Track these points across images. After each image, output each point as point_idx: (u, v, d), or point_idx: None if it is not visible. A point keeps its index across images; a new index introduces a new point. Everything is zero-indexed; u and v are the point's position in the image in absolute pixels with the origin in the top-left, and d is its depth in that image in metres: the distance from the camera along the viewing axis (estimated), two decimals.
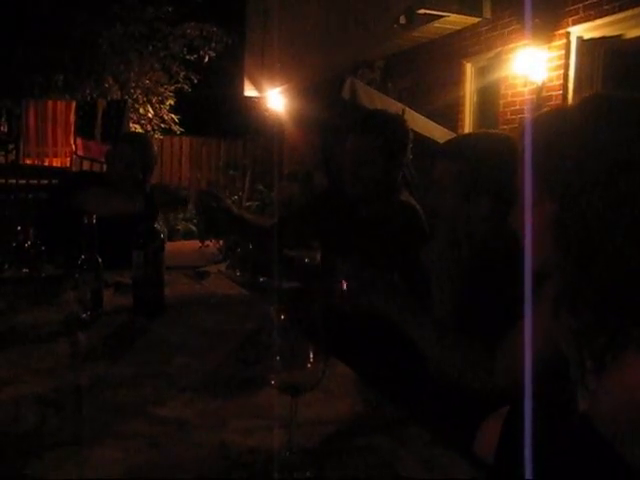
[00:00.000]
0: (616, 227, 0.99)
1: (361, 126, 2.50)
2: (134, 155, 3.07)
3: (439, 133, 5.02)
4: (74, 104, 8.74)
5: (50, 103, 8.71)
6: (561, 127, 1.06)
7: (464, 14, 6.48)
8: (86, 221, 1.89)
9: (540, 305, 1.21)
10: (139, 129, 10.72)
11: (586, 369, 1.10)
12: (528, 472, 0.99)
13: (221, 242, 7.86)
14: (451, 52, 7.03)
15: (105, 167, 3.34)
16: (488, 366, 1.41)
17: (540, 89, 5.68)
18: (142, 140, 3.32)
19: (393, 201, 2.46)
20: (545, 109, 1.31)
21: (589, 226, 1.01)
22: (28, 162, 8.45)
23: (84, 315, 1.90)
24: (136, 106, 10.54)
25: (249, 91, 11.22)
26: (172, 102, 11.19)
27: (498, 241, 1.62)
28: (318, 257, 2.82)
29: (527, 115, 5.84)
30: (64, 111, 8.56)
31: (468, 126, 6.82)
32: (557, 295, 1.15)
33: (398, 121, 2.55)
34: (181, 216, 11.25)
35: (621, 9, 4.97)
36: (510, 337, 1.37)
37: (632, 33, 5.14)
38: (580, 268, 1.04)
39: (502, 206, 1.51)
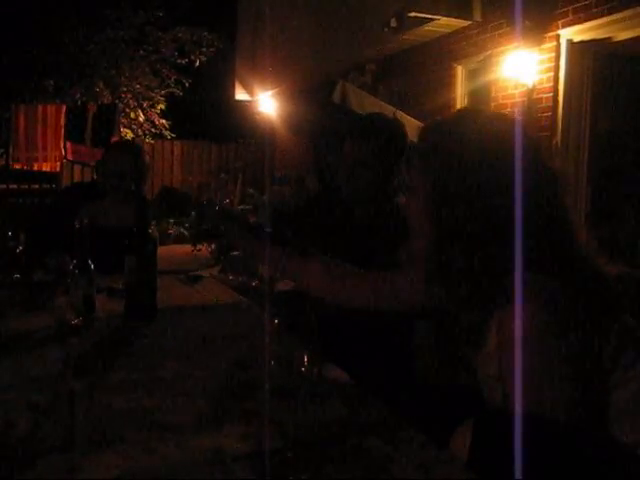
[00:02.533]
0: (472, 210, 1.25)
1: (358, 131, 2.49)
2: (125, 165, 3.02)
3: None
4: (64, 108, 8.70)
5: (40, 107, 8.67)
6: (444, 134, 1.34)
7: (454, 17, 6.49)
8: (78, 225, 1.89)
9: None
10: (130, 134, 10.70)
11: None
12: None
13: (213, 246, 7.85)
14: (442, 55, 7.04)
15: (95, 174, 3.27)
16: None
17: (531, 91, 5.70)
18: (133, 149, 3.22)
19: (389, 203, 2.47)
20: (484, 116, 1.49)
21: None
22: (17, 167, 8.42)
23: (76, 320, 1.89)
24: (127, 110, 10.52)
25: (240, 94, 11.20)
26: (163, 106, 11.17)
27: None
28: None
29: (518, 117, 5.87)
30: (54, 115, 8.52)
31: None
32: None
33: (395, 125, 2.56)
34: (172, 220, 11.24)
35: (610, 12, 4.99)
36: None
37: (621, 36, 5.17)
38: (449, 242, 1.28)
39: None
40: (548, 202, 1.25)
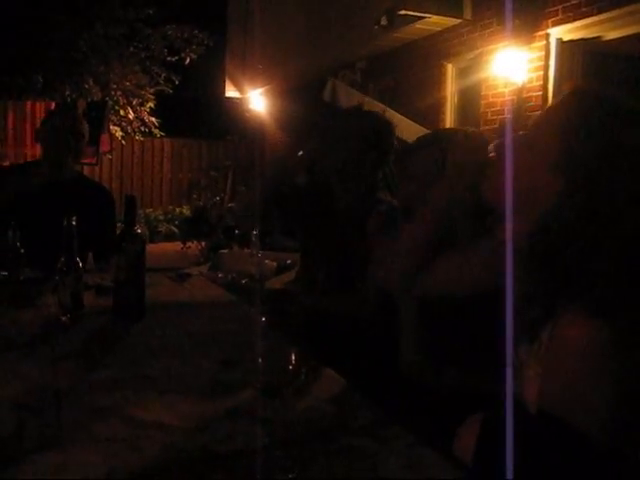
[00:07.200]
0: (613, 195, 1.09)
1: (356, 113, 2.65)
2: (63, 121, 3.19)
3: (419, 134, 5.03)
4: (53, 105, 8.65)
5: (29, 104, 8.62)
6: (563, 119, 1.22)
7: (445, 15, 6.50)
8: (66, 223, 1.88)
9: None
10: (119, 131, 10.66)
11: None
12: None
13: (203, 244, 7.84)
14: (432, 53, 7.05)
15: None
16: None
17: (520, 90, 5.72)
18: (70, 108, 3.39)
19: (372, 196, 2.50)
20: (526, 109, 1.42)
21: (591, 196, 1.10)
22: (5, 165, 8.35)
23: (64, 318, 1.88)
24: (116, 108, 10.47)
25: (230, 92, 11.17)
26: (152, 104, 11.12)
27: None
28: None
29: (507, 116, 5.89)
30: (43, 112, 8.47)
31: (450, 127, 6.85)
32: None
33: (389, 124, 2.63)
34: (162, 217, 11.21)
35: (599, 11, 5.01)
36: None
37: (610, 35, 5.20)
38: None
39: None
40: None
